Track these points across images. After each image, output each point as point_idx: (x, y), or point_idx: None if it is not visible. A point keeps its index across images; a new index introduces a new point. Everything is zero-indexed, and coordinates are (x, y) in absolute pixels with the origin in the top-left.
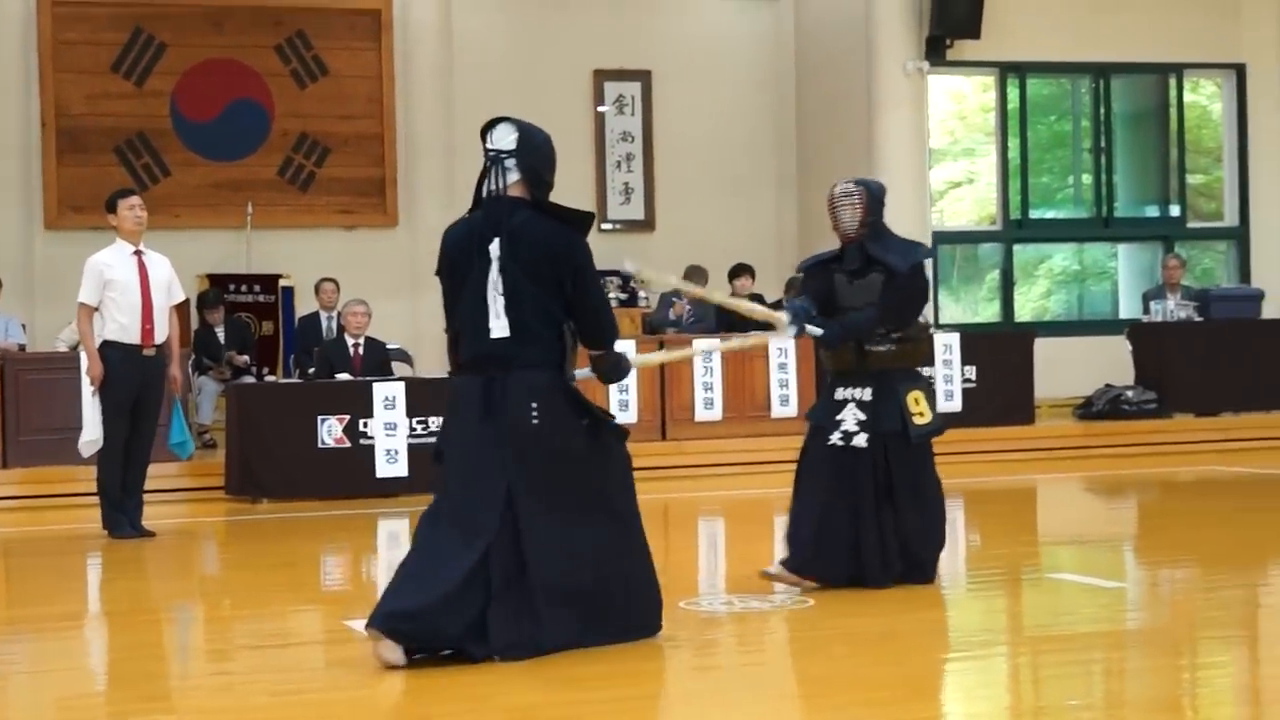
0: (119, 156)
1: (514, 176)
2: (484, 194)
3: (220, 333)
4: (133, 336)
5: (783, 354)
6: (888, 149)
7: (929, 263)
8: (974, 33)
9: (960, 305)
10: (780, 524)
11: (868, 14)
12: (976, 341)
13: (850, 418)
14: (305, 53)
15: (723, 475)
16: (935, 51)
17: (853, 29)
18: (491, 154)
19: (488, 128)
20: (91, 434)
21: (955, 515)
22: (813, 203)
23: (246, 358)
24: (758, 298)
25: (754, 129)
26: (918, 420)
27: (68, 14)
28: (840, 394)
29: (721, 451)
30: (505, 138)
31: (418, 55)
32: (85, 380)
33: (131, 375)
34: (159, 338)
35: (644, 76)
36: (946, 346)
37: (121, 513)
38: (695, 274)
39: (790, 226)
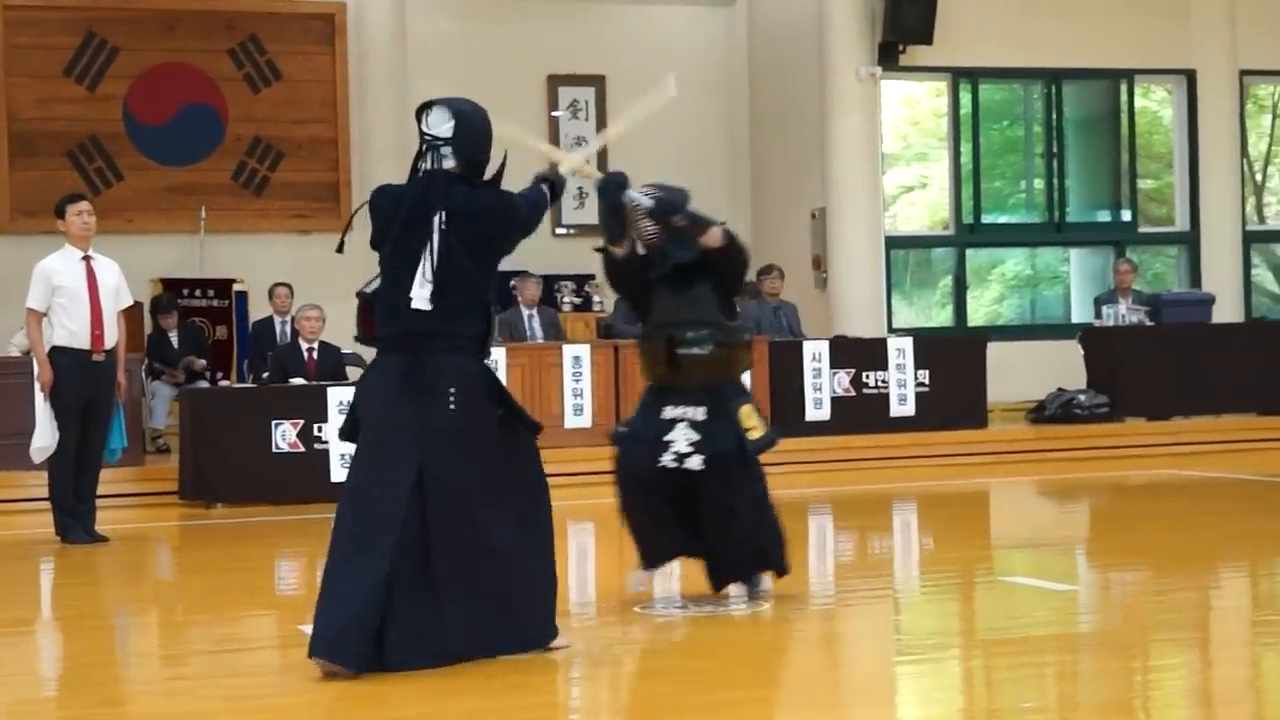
0: (71, 160)
1: (449, 163)
2: (418, 172)
3: (174, 337)
4: (82, 342)
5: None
6: (841, 154)
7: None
8: (927, 38)
9: (913, 309)
10: None
11: (820, 20)
12: (929, 346)
13: (682, 438)
14: (259, 57)
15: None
16: (888, 57)
17: (806, 34)
18: (428, 139)
19: (423, 109)
20: (43, 440)
21: (909, 518)
22: (766, 208)
23: (204, 361)
24: None
25: (707, 133)
26: (753, 435)
27: (19, 18)
28: (669, 412)
29: None
30: (441, 125)
31: (372, 59)
32: (37, 386)
33: (81, 381)
34: (109, 343)
35: (598, 81)
36: (900, 351)
37: (74, 518)
38: None
39: (744, 230)
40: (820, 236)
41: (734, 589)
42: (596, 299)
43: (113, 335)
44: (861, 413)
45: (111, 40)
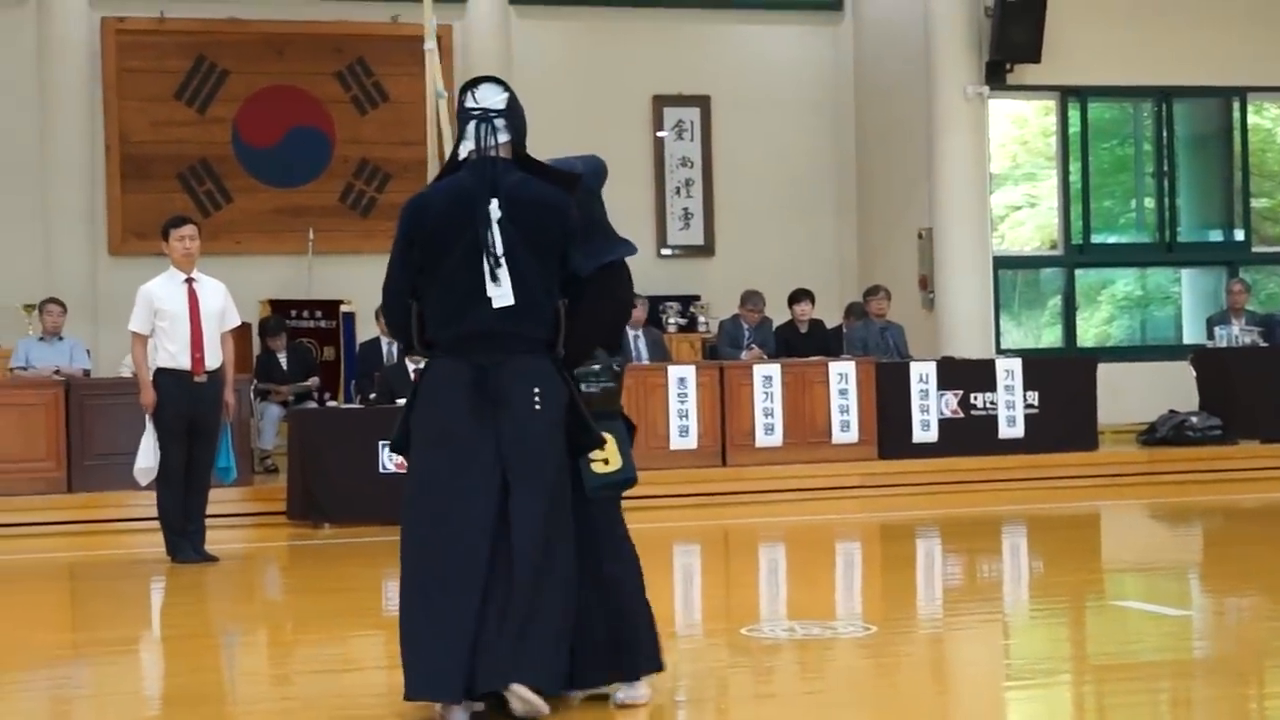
0: (182, 183)
1: (504, 137)
2: (461, 155)
3: (282, 358)
4: (183, 364)
5: (843, 379)
6: (948, 173)
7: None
8: (1034, 57)
9: (1022, 330)
10: (843, 551)
11: (927, 39)
12: (1039, 367)
13: None
14: (365, 79)
15: (783, 502)
16: (995, 76)
17: (912, 54)
18: (478, 112)
19: (469, 87)
20: (145, 460)
21: (1019, 542)
22: (873, 227)
23: (316, 380)
24: (818, 324)
25: (813, 154)
26: (597, 468)
27: (132, 42)
28: None
29: (782, 478)
30: (494, 96)
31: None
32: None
33: (182, 401)
34: (210, 365)
35: (703, 102)
36: (1008, 372)
37: (184, 538)
38: (752, 298)
39: (850, 251)
40: (927, 256)
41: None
42: (702, 320)
43: (215, 357)
44: (969, 435)
45: (221, 64)
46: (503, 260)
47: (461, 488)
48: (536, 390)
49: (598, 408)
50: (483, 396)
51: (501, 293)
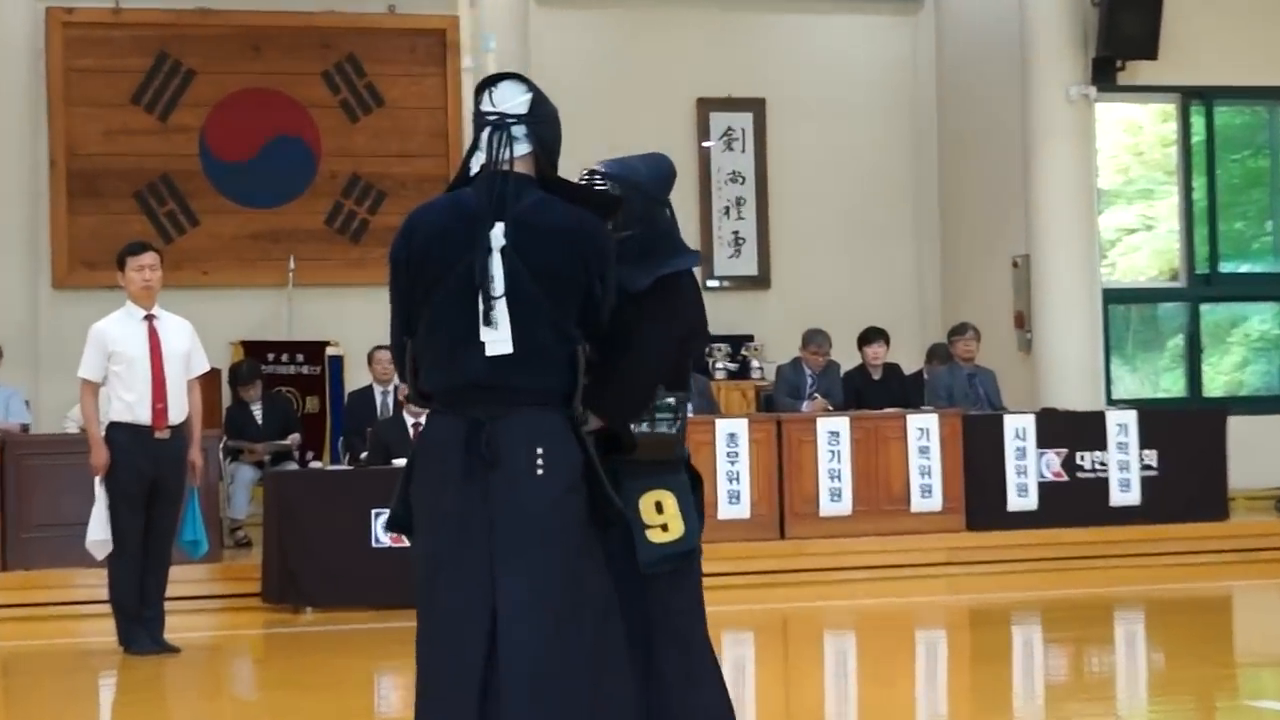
0: (139, 203)
1: (523, 149)
2: (472, 169)
3: (257, 411)
4: (142, 417)
5: (924, 435)
6: (1048, 190)
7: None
8: (1150, 52)
9: (1137, 377)
10: (924, 641)
11: (1023, 32)
12: (1157, 420)
13: None
14: (357, 80)
15: (853, 581)
16: (1104, 75)
17: (1006, 49)
18: (493, 118)
19: (486, 86)
20: (100, 533)
21: (1135, 629)
22: (958, 254)
23: (297, 436)
24: (894, 369)
25: (888, 168)
26: (655, 537)
27: (81, 37)
28: None
29: (852, 553)
30: (514, 98)
31: None
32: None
33: (142, 462)
34: (175, 417)
35: (757, 106)
36: (1121, 426)
37: (139, 624)
38: (815, 339)
39: (932, 283)
40: (1024, 289)
41: None
42: (756, 365)
43: (181, 409)
44: (1075, 502)
45: (187, 62)
46: (499, 299)
47: (453, 579)
48: (540, 451)
49: (651, 455)
50: (476, 460)
51: (497, 338)
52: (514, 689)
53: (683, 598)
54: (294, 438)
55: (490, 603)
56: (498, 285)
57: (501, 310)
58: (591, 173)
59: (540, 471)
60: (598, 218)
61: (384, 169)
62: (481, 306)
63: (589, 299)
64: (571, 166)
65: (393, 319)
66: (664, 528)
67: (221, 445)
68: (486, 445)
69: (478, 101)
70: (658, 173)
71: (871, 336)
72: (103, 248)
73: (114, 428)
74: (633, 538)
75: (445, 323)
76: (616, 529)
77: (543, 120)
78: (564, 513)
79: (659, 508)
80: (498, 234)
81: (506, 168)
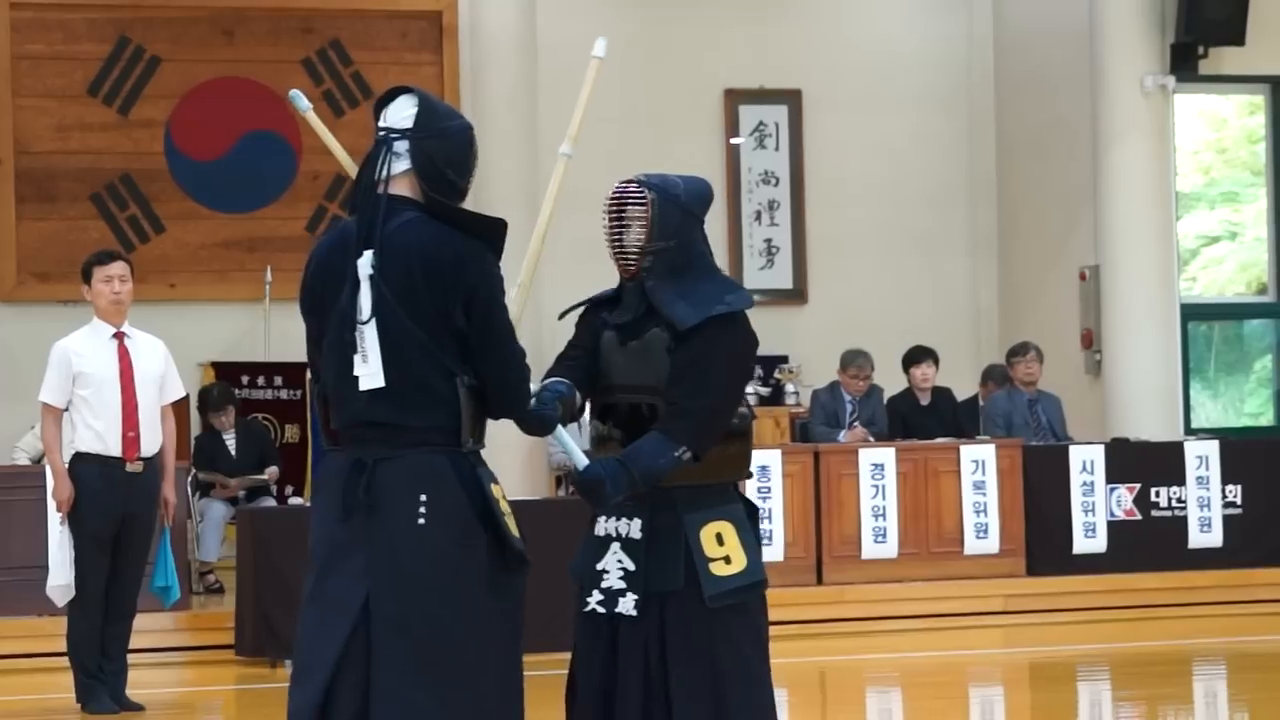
0: (97, 207)
1: (401, 165)
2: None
3: (230, 441)
4: (112, 447)
5: (979, 468)
6: (1120, 193)
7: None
8: (1237, 38)
9: (1219, 403)
10: (979, 698)
11: (1092, 14)
12: (1242, 452)
13: (614, 566)
14: (343, 69)
15: (899, 632)
16: (1184, 63)
17: (1072, 35)
18: (380, 134)
19: (383, 103)
20: (62, 577)
21: (1216, 687)
22: (1019, 266)
23: (275, 470)
24: (944, 393)
25: (939, 168)
26: (718, 569)
27: (32, 20)
28: (602, 527)
29: (898, 600)
30: (400, 113)
31: (491, 72)
32: (52, 505)
33: (110, 498)
34: (147, 448)
35: (792, 99)
36: (1201, 459)
37: (99, 680)
38: (856, 360)
39: (989, 298)
40: (1092, 304)
41: None
42: (790, 389)
43: (154, 438)
44: (1149, 543)
45: (151, 49)
46: (367, 328)
47: (320, 614)
48: (423, 499)
49: (697, 480)
50: (354, 502)
51: (368, 371)
52: None
53: (751, 634)
54: (271, 471)
55: (343, 644)
56: (364, 314)
57: (371, 341)
58: (628, 181)
59: (422, 521)
60: (474, 242)
61: None
62: (356, 340)
63: (457, 329)
64: (586, 165)
65: (308, 359)
66: (726, 560)
67: (190, 479)
68: (365, 489)
69: (375, 118)
70: (696, 189)
71: (919, 356)
72: (56, 257)
73: (79, 459)
74: (697, 574)
75: (331, 359)
76: (679, 566)
77: (431, 135)
78: (444, 564)
79: (719, 539)
80: (365, 262)
81: (383, 188)
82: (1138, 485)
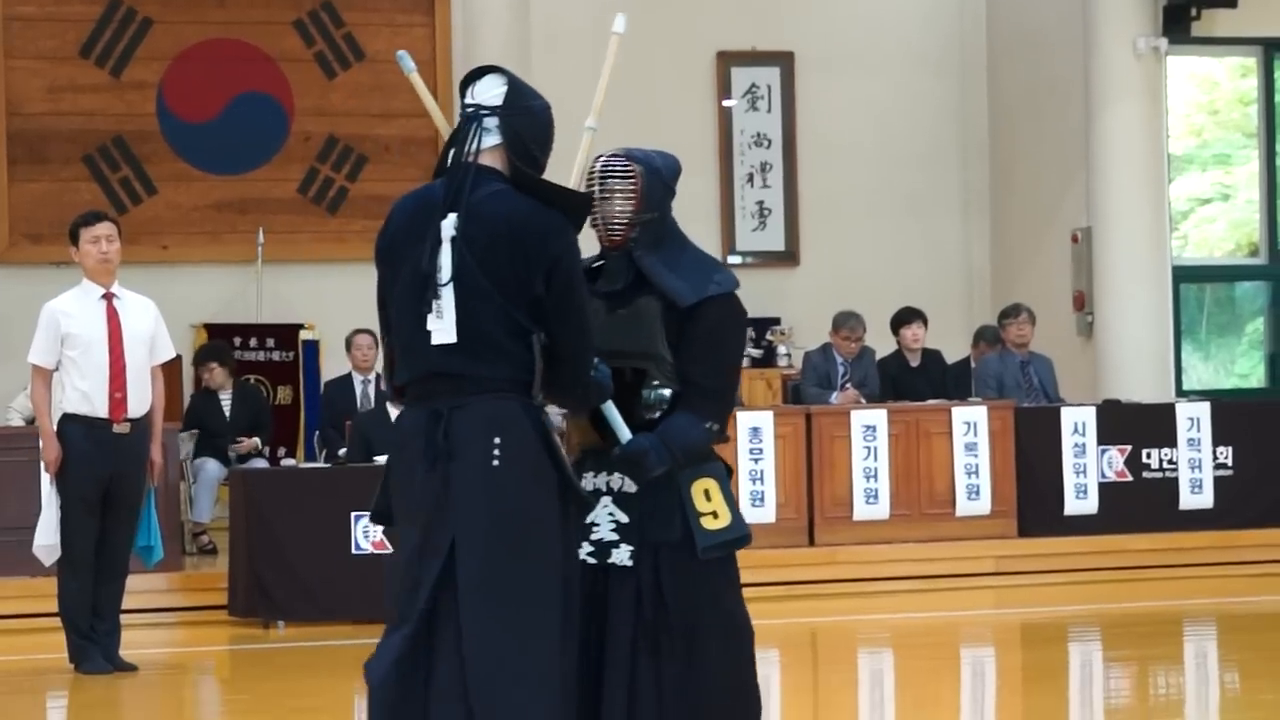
0: (89, 168)
1: (492, 140)
2: (447, 161)
3: (225, 401)
4: (99, 408)
5: (971, 429)
6: (1112, 155)
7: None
8: (1229, 0)
9: (1211, 365)
10: (970, 659)
11: None
12: (1233, 414)
13: (605, 519)
14: (334, 30)
15: (891, 593)
16: (1177, 25)
17: None
18: (469, 110)
19: (470, 79)
20: (49, 536)
21: (1206, 647)
22: (1011, 228)
23: (258, 440)
24: (934, 355)
25: (932, 130)
26: (709, 523)
27: None
28: (590, 482)
29: (889, 561)
30: (490, 90)
31: (483, 33)
32: (42, 465)
33: (98, 460)
34: (135, 409)
35: (784, 60)
36: (1192, 420)
37: (92, 641)
38: (848, 321)
39: (981, 259)
40: (1084, 266)
41: None
42: (782, 350)
43: (142, 399)
44: (1140, 504)
45: (143, 10)
46: (445, 288)
47: (415, 576)
48: (496, 441)
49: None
50: (434, 450)
51: (441, 326)
52: (474, 680)
53: (734, 587)
54: (253, 442)
55: (434, 585)
56: (444, 274)
57: (447, 299)
58: (614, 155)
59: (496, 462)
60: (557, 216)
61: (364, 130)
62: (431, 296)
63: (535, 297)
64: (577, 126)
65: (379, 310)
66: (714, 515)
67: (195, 440)
68: (444, 436)
69: (461, 95)
70: (670, 164)
71: (908, 317)
72: (48, 219)
73: (67, 420)
74: (689, 525)
75: (404, 313)
76: (676, 519)
77: (519, 112)
78: (523, 500)
79: (707, 495)
80: (449, 224)
81: (472, 159)
82: (1129, 447)
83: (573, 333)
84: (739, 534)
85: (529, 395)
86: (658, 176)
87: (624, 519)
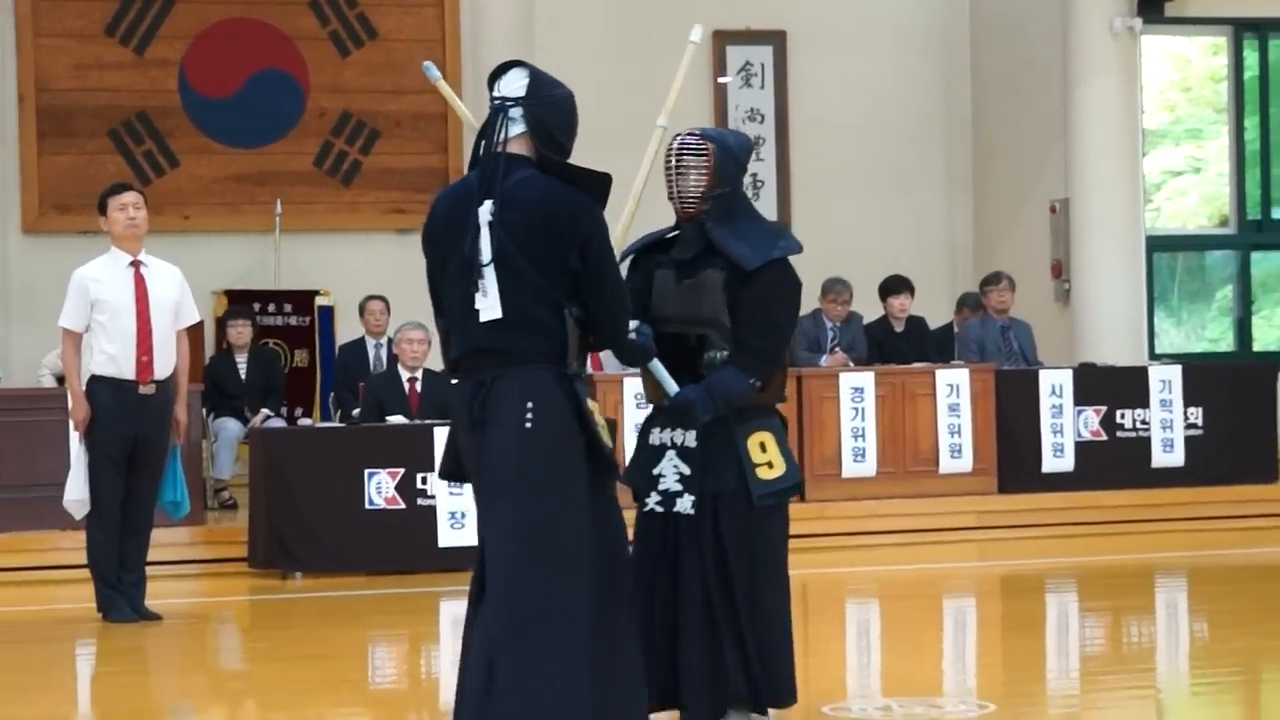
0: (115, 142)
1: (517, 129)
2: (479, 151)
3: (241, 363)
4: (125, 370)
5: (954, 391)
6: (1089, 130)
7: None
8: None
9: (1182, 330)
10: (952, 609)
11: None
12: (1203, 377)
13: (670, 471)
14: (348, 10)
15: (877, 547)
16: (1151, 5)
17: None
18: (495, 102)
19: (496, 75)
20: (79, 491)
21: (1177, 598)
22: (992, 199)
23: (267, 411)
24: (918, 322)
25: (917, 106)
26: (763, 473)
27: None
28: (657, 437)
29: (876, 516)
30: (514, 83)
31: (490, 12)
32: (71, 424)
33: (124, 420)
34: (160, 371)
35: (777, 39)
36: (1165, 383)
37: (118, 591)
38: (835, 288)
39: (963, 230)
40: (1062, 236)
41: None
42: None
43: (167, 362)
44: (1115, 463)
45: None
46: (487, 270)
47: (479, 551)
48: (530, 405)
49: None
50: (473, 416)
51: (487, 305)
52: (490, 609)
53: (782, 530)
54: (263, 414)
55: (482, 536)
56: (484, 256)
57: (490, 279)
58: (689, 133)
59: (529, 424)
60: (584, 195)
61: (376, 106)
62: (476, 278)
63: (570, 271)
64: (579, 102)
65: (430, 294)
66: (769, 465)
67: (212, 405)
68: (482, 404)
69: (490, 89)
70: (743, 143)
71: (896, 287)
72: (76, 190)
73: (95, 382)
74: (746, 477)
75: (454, 296)
76: (731, 471)
77: (541, 102)
78: (554, 460)
79: (763, 448)
80: (485, 211)
81: (501, 148)
82: (1104, 408)
83: (607, 298)
84: (791, 482)
85: (563, 365)
86: (729, 154)
87: (686, 471)
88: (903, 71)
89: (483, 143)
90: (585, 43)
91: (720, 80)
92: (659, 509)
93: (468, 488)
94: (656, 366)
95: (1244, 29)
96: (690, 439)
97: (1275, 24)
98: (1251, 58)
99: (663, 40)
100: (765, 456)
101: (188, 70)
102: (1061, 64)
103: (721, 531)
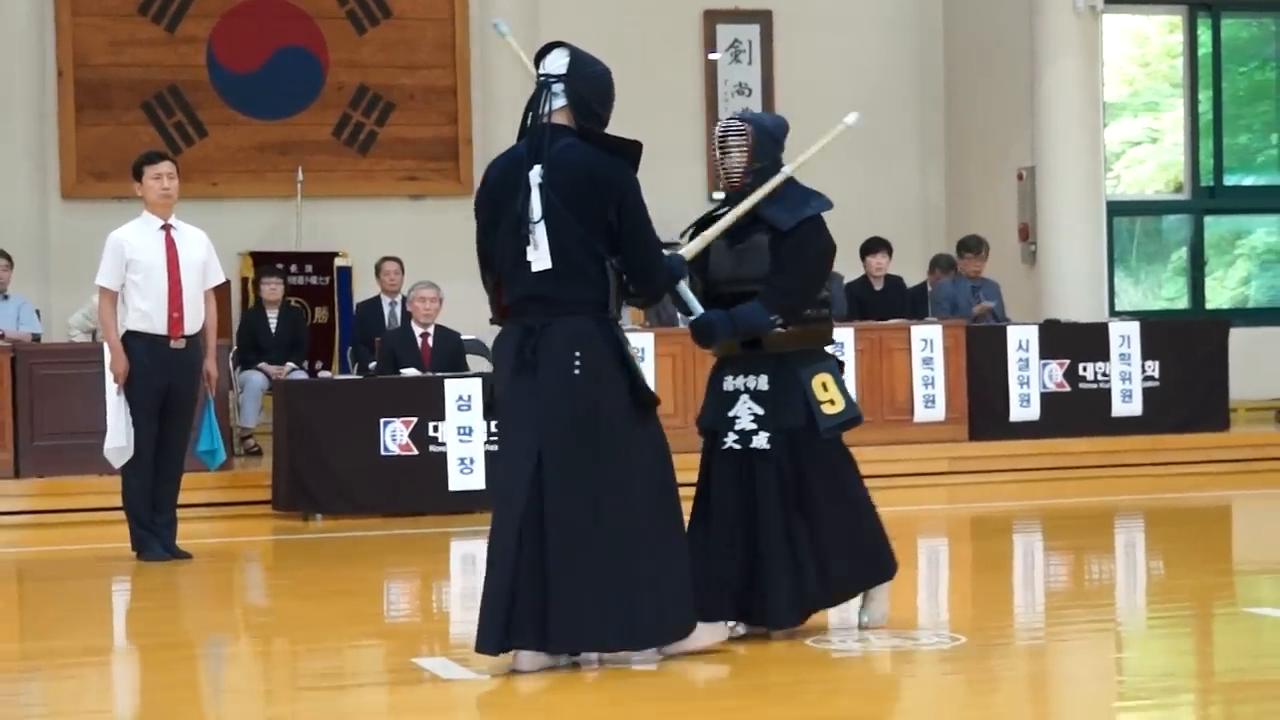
0: (147, 113)
1: (559, 103)
2: (527, 122)
3: (272, 319)
4: (158, 326)
5: (927, 346)
6: (1054, 103)
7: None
8: None
9: (1140, 289)
10: (926, 549)
11: None
12: (1159, 332)
13: (745, 413)
14: None
15: None
16: None
17: None
18: (540, 79)
19: (541, 54)
20: (119, 439)
21: (1135, 538)
22: (964, 168)
23: (291, 364)
24: (896, 281)
25: (894, 80)
26: (827, 409)
27: None
28: (730, 384)
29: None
30: (556, 62)
31: None
32: (109, 376)
33: (157, 371)
34: (190, 327)
35: (763, 18)
36: (1124, 338)
37: (152, 532)
38: None
39: (937, 195)
40: (1029, 201)
41: (834, 614)
42: None
43: (196, 318)
44: (1077, 412)
45: None
46: (538, 226)
47: (509, 453)
48: (577, 354)
49: (799, 346)
50: (524, 360)
51: (539, 256)
52: (552, 530)
53: (846, 456)
54: (288, 366)
55: (528, 478)
56: (536, 213)
57: (541, 234)
58: (731, 118)
59: (577, 371)
60: (619, 160)
61: (391, 80)
62: (529, 233)
63: (609, 226)
64: None
65: (477, 251)
66: (831, 402)
67: (232, 354)
68: (533, 350)
69: (536, 67)
70: (779, 123)
71: (874, 247)
72: (111, 158)
73: (130, 337)
74: (813, 414)
75: (505, 250)
76: (800, 408)
77: (581, 79)
78: (599, 401)
79: (824, 386)
80: (535, 174)
81: (546, 120)
82: (1067, 361)
83: (641, 246)
84: (852, 414)
85: (605, 311)
86: (766, 134)
87: (760, 411)
88: (881, 47)
89: (529, 115)
90: (586, 24)
91: (710, 56)
92: (736, 446)
93: (477, 433)
94: (683, 288)
95: (1198, 8)
96: (762, 383)
97: (1227, 3)
98: (1205, 35)
99: (660, 22)
100: (828, 395)
101: (215, 47)
102: (1029, 41)
103: (800, 461)
